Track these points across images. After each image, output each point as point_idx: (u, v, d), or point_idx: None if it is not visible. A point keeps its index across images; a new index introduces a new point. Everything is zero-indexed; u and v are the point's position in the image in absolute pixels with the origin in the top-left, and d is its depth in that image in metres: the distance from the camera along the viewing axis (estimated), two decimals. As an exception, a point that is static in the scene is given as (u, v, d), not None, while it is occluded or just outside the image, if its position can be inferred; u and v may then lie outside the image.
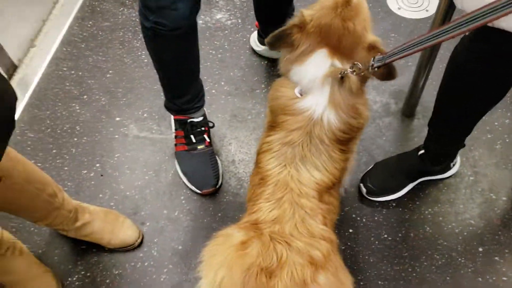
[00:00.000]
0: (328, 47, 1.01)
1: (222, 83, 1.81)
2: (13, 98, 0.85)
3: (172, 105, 1.51)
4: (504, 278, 1.37)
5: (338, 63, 1.01)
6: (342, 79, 1.01)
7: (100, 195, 1.54)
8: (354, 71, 0.98)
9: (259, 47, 1.84)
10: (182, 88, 1.44)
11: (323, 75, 1.00)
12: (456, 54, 1.13)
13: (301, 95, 1.03)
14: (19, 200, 1.14)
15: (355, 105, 1.05)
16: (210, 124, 1.58)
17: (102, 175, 1.58)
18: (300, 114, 1.02)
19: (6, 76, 1.74)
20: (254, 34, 1.86)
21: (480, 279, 1.36)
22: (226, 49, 1.90)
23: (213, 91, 1.78)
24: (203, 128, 1.54)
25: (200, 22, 1.99)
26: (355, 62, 0.99)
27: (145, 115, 1.73)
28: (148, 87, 1.79)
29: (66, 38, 1.95)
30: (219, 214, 1.48)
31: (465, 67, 1.10)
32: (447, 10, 1.28)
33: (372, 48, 1.01)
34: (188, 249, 1.42)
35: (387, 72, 1.02)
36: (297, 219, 0.97)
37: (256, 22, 1.79)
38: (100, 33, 1.96)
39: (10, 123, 0.85)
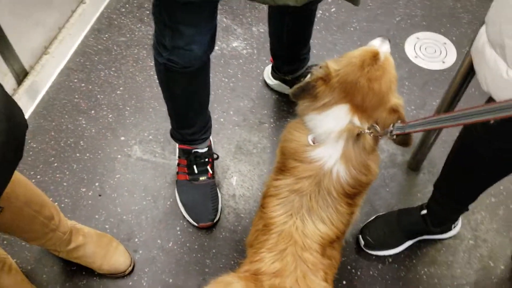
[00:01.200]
0: (351, 104, 1.01)
1: (231, 112, 1.80)
2: (25, 129, 0.84)
3: (177, 135, 1.49)
4: None
5: (357, 121, 1.01)
6: (357, 136, 1.00)
7: (96, 216, 1.52)
8: (372, 132, 0.98)
9: (271, 81, 1.84)
10: (189, 120, 1.43)
11: (340, 130, 1.00)
12: (466, 135, 1.13)
13: (313, 143, 1.02)
14: (16, 222, 1.12)
15: (366, 162, 1.04)
16: (215, 156, 1.57)
17: (100, 195, 1.56)
18: (311, 163, 1.01)
19: (16, 82, 1.73)
20: (268, 68, 1.85)
21: None
22: (239, 78, 1.89)
23: (222, 119, 1.77)
24: (207, 160, 1.52)
25: (216, 48, 1.95)
26: (374, 124, 0.98)
27: (150, 137, 1.71)
28: (157, 108, 1.78)
29: (80, 49, 1.94)
30: (214, 251, 1.46)
31: (476, 149, 1.09)
32: (467, 72, 1.26)
33: (394, 111, 1.01)
34: (178, 284, 1.40)
35: (403, 140, 1.01)
36: (298, 274, 0.96)
37: (271, 57, 1.78)
38: (115, 48, 1.96)
39: (18, 154, 0.83)
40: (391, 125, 0.96)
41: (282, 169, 1.06)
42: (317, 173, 1.01)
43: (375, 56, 1.00)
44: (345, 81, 1.00)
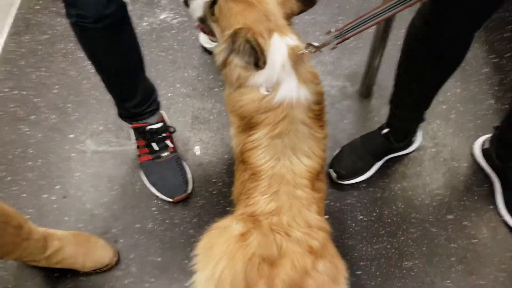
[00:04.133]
0: (271, 31, 0.97)
1: (178, 85, 1.76)
2: None
3: (123, 111, 1.44)
4: (474, 241, 1.43)
5: (290, 40, 0.99)
6: (298, 56, 0.99)
7: (66, 218, 1.46)
8: (312, 49, 0.97)
9: (210, 44, 1.80)
10: (127, 90, 1.38)
11: (284, 61, 0.98)
12: (413, 28, 1.15)
13: (268, 91, 1.01)
14: (-18, 238, 1.06)
15: (312, 71, 1.04)
16: (171, 129, 1.54)
17: (64, 197, 1.50)
18: (280, 107, 1.00)
19: None
20: (203, 32, 1.82)
21: (453, 245, 1.42)
22: (176, 50, 1.85)
23: (170, 94, 1.73)
24: (164, 134, 1.49)
25: (144, 24, 1.93)
26: (311, 43, 0.98)
27: (100, 128, 1.65)
28: (99, 98, 1.71)
29: (2, 57, 1.82)
30: (195, 220, 1.45)
31: (423, 34, 1.12)
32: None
33: None
34: (168, 260, 1.38)
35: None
36: (294, 210, 0.98)
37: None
38: (40, 47, 1.85)
39: None
40: (330, 35, 0.96)
41: (250, 126, 1.04)
42: (288, 110, 0.99)
43: None
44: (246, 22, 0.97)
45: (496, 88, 1.75)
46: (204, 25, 1.12)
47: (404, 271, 1.37)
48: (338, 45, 0.95)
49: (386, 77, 1.70)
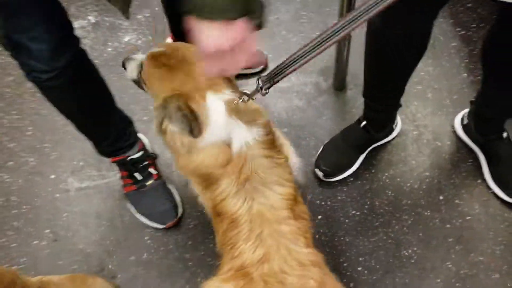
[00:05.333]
0: (208, 91, 0.92)
1: (151, 107, 1.73)
2: None
3: (101, 150, 1.42)
4: (468, 218, 1.44)
5: (225, 95, 0.93)
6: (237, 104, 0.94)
7: (60, 262, 1.44)
8: (244, 99, 0.93)
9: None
10: (101, 132, 1.36)
11: (227, 117, 0.93)
12: (372, 26, 1.15)
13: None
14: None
15: (253, 109, 0.99)
16: (153, 156, 1.52)
17: (55, 240, 1.48)
18: (238, 157, 0.95)
19: None
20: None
21: (448, 225, 1.43)
22: (144, 71, 1.82)
23: (145, 118, 1.70)
24: (146, 163, 1.47)
25: (109, 50, 1.90)
26: (242, 92, 0.94)
27: (81, 163, 1.63)
28: (75, 133, 1.63)
29: (-31, 107, 1.79)
30: (190, 243, 1.44)
31: (383, 31, 1.11)
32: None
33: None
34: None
35: None
36: (283, 251, 0.92)
37: (171, 34, 1.71)
38: (7, 90, 1.81)
39: None
40: (257, 80, 0.91)
41: (212, 182, 0.99)
42: (245, 155, 0.95)
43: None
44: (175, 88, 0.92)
45: (466, 60, 1.75)
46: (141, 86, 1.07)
47: (404, 260, 1.37)
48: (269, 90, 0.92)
49: (357, 67, 1.68)
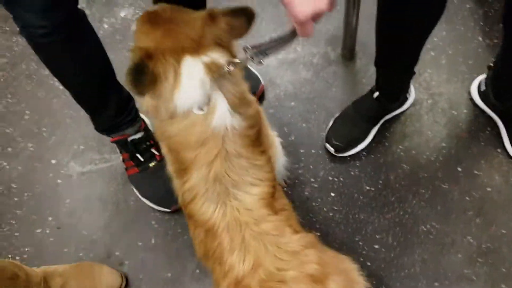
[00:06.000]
0: (187, 52, 0.85)
1: (151, 85, 1.66)
2: None
3: (99, 125, 1.35)
4: (489, 189, 1.37)
5: (207, 58, 0.85)
6: (224, 74, 0.87)
7: (65, 250, 1.39)
8: (235, 66, 0.86)
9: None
10: (98, 101, 1.29)
11: (204, 77, 0.85)
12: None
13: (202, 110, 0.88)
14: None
15: (243, 95, 0.92)
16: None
17: (59, 228, 1.43)
18: (213, 139, 0.88)
19: None
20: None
21: (467, 198, 1.36)
22: (142, 48, 1.74)
23: (145, 97, 1.63)
24: (148, 143, 1.41)
25: (106, 26, 1.81)
26: (231, 59, 0.86)
27: (81, 147, 1.57)
28: (74, 115, 1.62)
29: (-37, 91, 1.72)
30: (197, 225, 1.39)
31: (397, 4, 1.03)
32: None
33: (212, 17, 0.87)
34: (178, 273, 1.32)
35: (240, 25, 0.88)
36: (272, 249, 0.87)
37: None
38: (0, 73, 1.74)
39: None
40: (248, 52, 0.86)
41: (183, 168, 0.92)
42: (220, 146, 0.88)
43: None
44: (158, 39, 0.86)
45: (481, 23, 1.66)
46: None
47: (422, 236, 1.31)
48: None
49: (367, 34, 1.59)
